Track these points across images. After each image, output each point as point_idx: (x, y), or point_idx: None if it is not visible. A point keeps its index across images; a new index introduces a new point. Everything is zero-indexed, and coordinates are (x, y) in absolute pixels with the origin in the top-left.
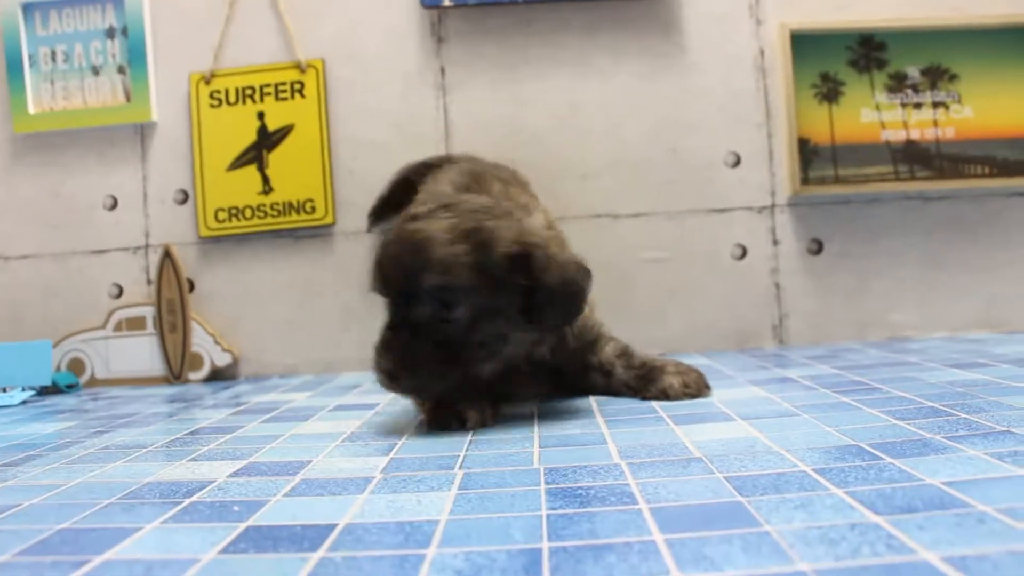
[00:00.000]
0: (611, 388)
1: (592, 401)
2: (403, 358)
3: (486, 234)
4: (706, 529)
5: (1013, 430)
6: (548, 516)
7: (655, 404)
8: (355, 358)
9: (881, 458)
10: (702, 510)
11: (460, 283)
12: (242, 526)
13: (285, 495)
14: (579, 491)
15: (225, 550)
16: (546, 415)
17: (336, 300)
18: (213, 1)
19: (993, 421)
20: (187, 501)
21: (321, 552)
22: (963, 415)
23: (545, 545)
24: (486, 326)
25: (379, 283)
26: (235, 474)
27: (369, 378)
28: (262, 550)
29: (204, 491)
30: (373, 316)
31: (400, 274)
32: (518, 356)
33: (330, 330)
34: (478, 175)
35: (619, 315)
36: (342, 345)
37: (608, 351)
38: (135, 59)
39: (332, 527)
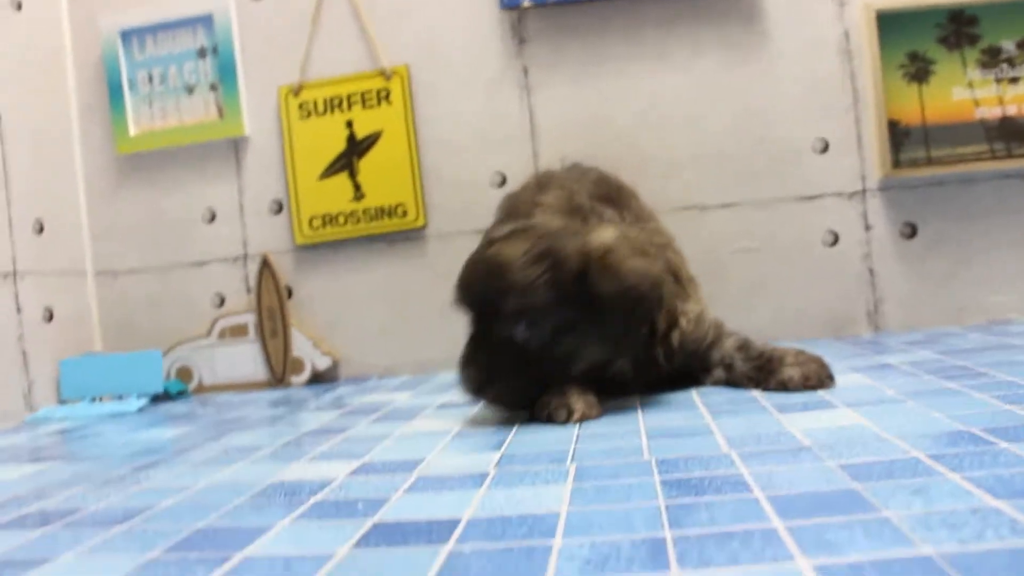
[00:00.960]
0: (732, 380)
1: (693, 392)
2: (488, 371)
3: (556, 254)
4: (825, 515)
5: None
6: (667, 506)
7: (755, 393)
8: (451, 357)
9: (995, 443)
10: (818, 497)
11: (536, 303)
12: (369, 522)
13: (405, 492)
14: (693, 481)
15: (357, 545)
16: (649, 406)
17: (430, 301)
18: (298, 16)
19: None
20: (312, 500)
21: (450, 545)
22: None
23: (668, 534)
24: (564, 341)
25: (463, 302)
26: (353, 473)
27: None
28: (393, 544)
29: (326, 490)
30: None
31: (481, 296)
32: (598, 365)
33: (425, 330)
34: (571, 193)
35: (712, 306)
36: (437, 345)
37: (728, 345)
38: (226, 76)
39: (456, 521)
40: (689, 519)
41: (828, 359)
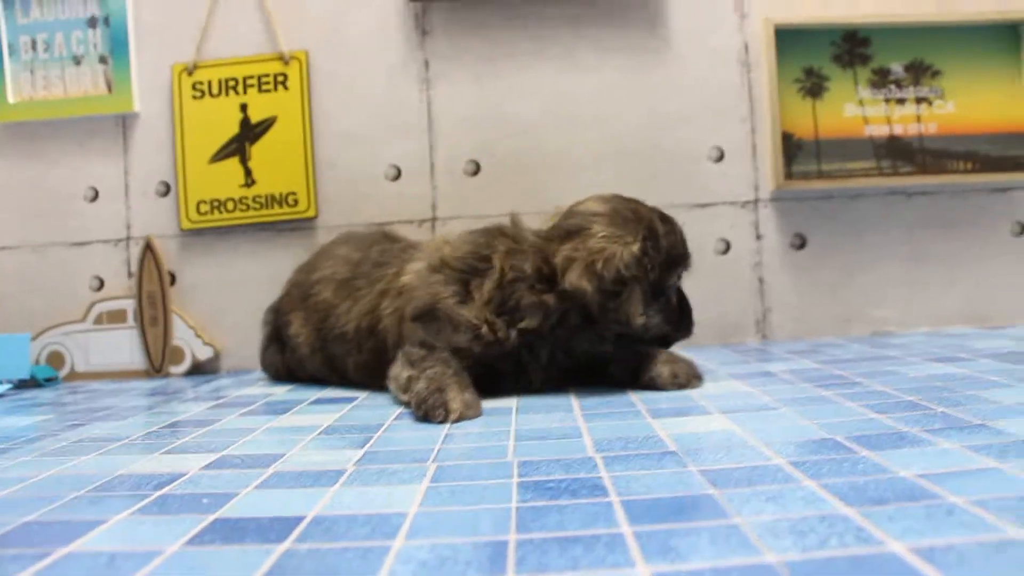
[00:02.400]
0: (609, 376)
1: (572, 397)
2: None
3: None
4: (675, 521)
5: (988, 423)
6: (518, 509)
7: (634, 398)
8: None
9: (856, 451)
10: (673, 502)
11: None
12: (210, 518)
13: (256, 488)
14: (551, 484)
15: (191, 542)
16: (526, 409)
17: None
18: None
19: (970, 415)
20: (156, 494)
21: (287, 544)
22: (940, 409)
23: (512, 537)
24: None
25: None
26: (208, 467)
27: None
28: (228, 542)
29: (175, 484)
30: None
31: None
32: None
33: None
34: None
35: None
36: None
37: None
38: (117, 49)
39: (300, 519)
40: (537, 522)
41: (712, 365)
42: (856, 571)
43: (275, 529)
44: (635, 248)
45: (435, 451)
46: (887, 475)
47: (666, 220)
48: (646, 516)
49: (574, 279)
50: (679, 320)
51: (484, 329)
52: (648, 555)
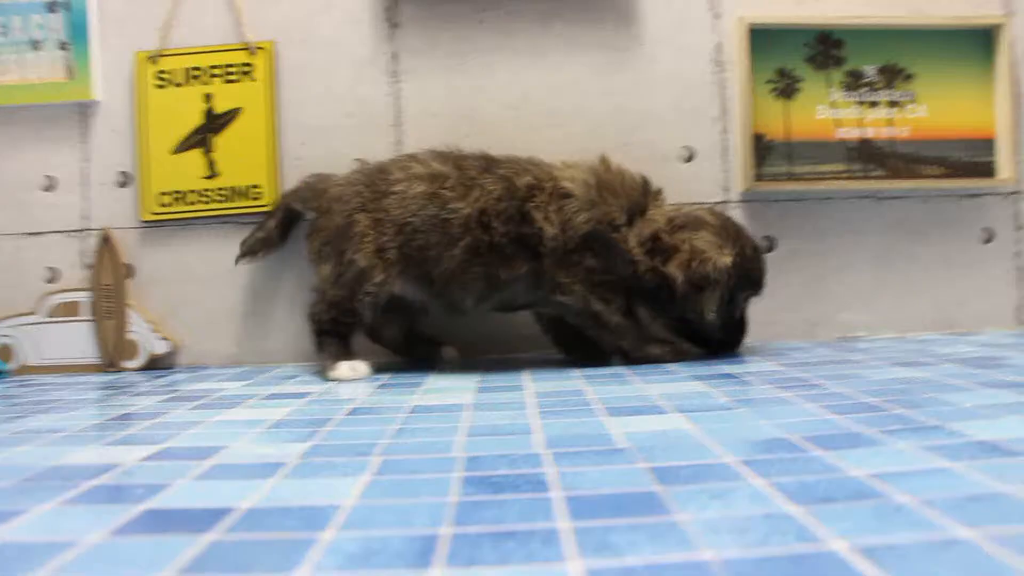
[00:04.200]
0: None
1: (526, 392)
2: None
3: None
4: (616, 517)
5: (945, 425)
6: (458, 503)
7: (591, 395)
8: (296, 348)
9: (809, 450)
10: (616, 498)
11: None
12: (139, 508)
13: (193, 479)
14: (495, 479)
15: (114, 532)
16: (480, 406)
17: (279, 290)
18: None
19: (926, 416)
20: (88, 484)
21: (213, 535)
22: (898, 410)
23: (445, 531)
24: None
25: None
26: (147, 458)
27: (308, 369)
28: (153, 532)
29: (108, 474)
30: None
31: None
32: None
33: (273, 320)
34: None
35: None
36: (283, 336)
37: None
38: (77, 35)
39: (231, 510)
40: (474, 517)
41: (674, 366)
42: (793, 568)
43: (204, 520)
44: (727, 259)
45: (382, 444)
46: (837, 474)
47: (756, 249)
48: (587, 512)
49: (672, 267)
50: (733, 332)
51: (642, 266)
52: (583, 550)
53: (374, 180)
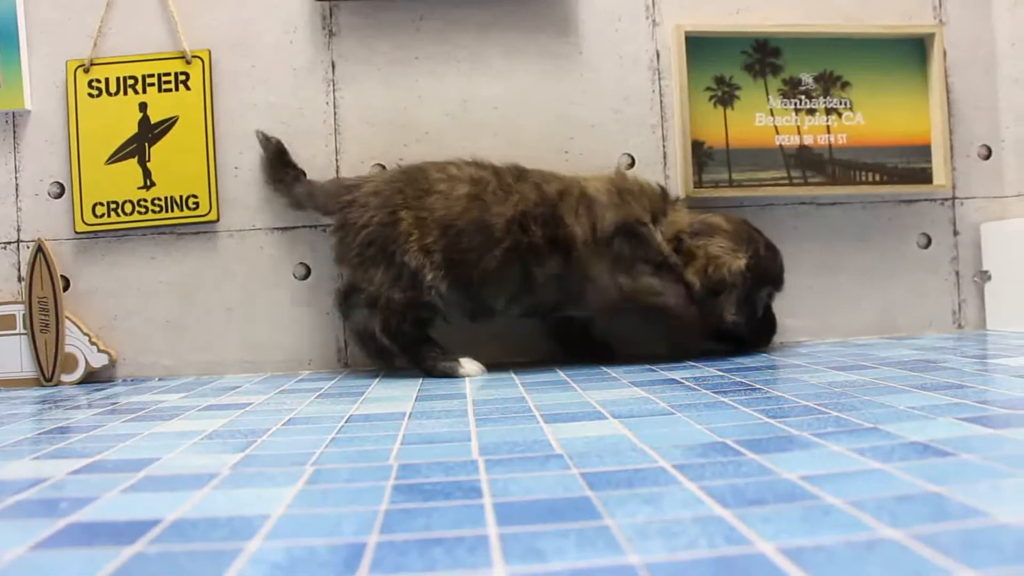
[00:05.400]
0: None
1: (468, 401)
2: None
3: None
4: (545, 523)
5: (880, 427)
6: (387, 511)
7: (531, 402)
8: (237, 360)
9: (743, 454)
10: (547, 504)
11: None
12: (63, 522)
13: (121, 491)
14: (427, 486)
15: (35, 546)
16: (418, 415)
17: (219, 300)
18: None
19: (862, 419)
20: (13, 499)
21: (137, 547)
22: (834, 413)
23: (373, 539)
24: None
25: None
26: (76, 472)
27: (250, 380)
28: (76, 545)
29: (35, 488)
30: (255, 318)
31: None
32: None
33: (212, 331)
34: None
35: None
36: (224, 346)
37: None
38: (6, 43)
39: (157, 522)
40: (403, 525)
41: (616, 374)
42: (720, 571)
43: (129, 532)
44: (742, 263)
45: (317, 454)
46: (769, 477)
47: (770, 248)
48: (517, 518)
49: (689, 273)
50: (759, 330)
51: (672, 260)
52: (509, 556)
53: (415, 178)
